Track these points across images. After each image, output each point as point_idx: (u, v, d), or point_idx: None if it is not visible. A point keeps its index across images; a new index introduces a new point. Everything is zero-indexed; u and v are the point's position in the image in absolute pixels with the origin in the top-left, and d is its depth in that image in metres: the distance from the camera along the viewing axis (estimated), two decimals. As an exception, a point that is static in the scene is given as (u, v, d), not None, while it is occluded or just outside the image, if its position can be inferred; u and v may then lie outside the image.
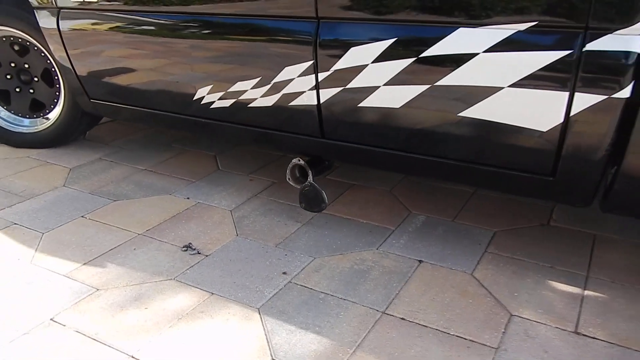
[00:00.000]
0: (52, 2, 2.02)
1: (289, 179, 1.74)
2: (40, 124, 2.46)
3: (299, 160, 1.70)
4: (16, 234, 1.70)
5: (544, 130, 1.25)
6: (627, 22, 1.10)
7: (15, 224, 1.78)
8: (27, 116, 2.47)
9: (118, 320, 1.29)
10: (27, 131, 2.47)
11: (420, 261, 1.55)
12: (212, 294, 1.39)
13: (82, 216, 1.83)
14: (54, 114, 2.41)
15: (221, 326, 1.27)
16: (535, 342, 1.20)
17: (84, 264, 1.53)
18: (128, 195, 1.99)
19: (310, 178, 1.69)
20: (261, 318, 1.29)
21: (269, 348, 1.19)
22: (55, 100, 2.36)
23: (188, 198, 1.96)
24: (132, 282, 1.44)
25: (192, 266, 1.52)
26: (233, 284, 1.43)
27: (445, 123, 1.37)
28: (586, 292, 1.38)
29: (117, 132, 2.66)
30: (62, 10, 2.02)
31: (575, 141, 1.22)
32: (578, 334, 1.23)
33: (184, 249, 1.61)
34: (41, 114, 2.45)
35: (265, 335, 1.23)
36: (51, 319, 1.30)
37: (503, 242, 1.62)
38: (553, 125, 1.23)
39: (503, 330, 1.24)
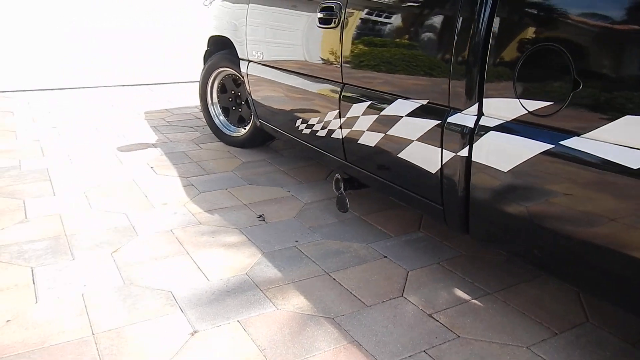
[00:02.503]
0: (245, 55, 3.26)
1: (333, 186, 2.56)
2: (240, 132, 3.78)
3: (338, 175, 2.51)
4: (187, 190, 2.94)
5: (433, 172, 1.83)
6: (465, 106, 1.66)
7: (192, 185, 3.03)
8: (235, 125, 3.82)
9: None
10: (232, 135, 3.82)
11: (385, 257, 2.21)
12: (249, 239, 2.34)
13: (226, 189, 2.98)
14: (248, 127, 3.69)
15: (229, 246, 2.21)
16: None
17: (210, 209, 2.66)
18: (258, 183, 3.08)
19: (342, 189, 2.48)
20: (263, 254, 2.18)
21: (260, 252, 2.08)
22: (250, 119, 3.63)
23: (289, 191, 2.94)
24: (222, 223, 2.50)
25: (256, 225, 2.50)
26: (265, 235, 2.35)
27: (391, 159, 2.03)
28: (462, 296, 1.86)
29: (288, 145, 3.80)
30: (250, 61, 3.24)
31: (446, 183, 1.78)
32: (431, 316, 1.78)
33: (259, 217, 2.60)
34: (242, 126, 3.77)
35: (259, 251, 2.12)
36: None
37: (463, 264, 2.14)
38: (436, 169, 1.82)
39: (400, 292, 1.87)
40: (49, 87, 6.06)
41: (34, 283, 1.94)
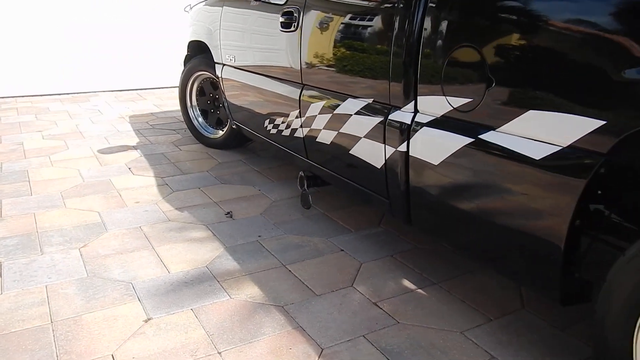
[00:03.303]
0: (220, 59, 3.36)
1: (298, 184, 2.65)
2: (218, 134, 3.88)
3: (302, 173, 2.60)
4: (160, 190, 3.04)
5: (379, 167, 1.93)
6: (403, 104, 1.75)
7: (166, 184, 3.13)
8: (213, 127, 3.92)
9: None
10: (210, 137, 3.92)
11: (342, 250, 2.30)
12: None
13: (199, 187, 3.08)
14: (225, 129, 3.79)
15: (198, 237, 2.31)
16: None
17: (181, 207, 2.75)
18: (231, 182, 3.18)
19: (305, 186, 2.58)
20: (225, 248, 2.27)
21: (223, 247, 2.17)
22: (227, 121, 3.72)
23: (259, 190, 3.04)
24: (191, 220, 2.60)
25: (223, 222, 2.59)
26: (232, 231, 2.45)
27: (344, 156, 2.13)
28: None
29: (264, 146, 3.89)
30: (224, 65, 3.34)
31: (390, 177, 1.88)
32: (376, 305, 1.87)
33: (226, 214, 2.69)
34: (220, 128, 3.87)
35: (222, 246, 2.22)
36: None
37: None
38: (381, 164, 1.91)
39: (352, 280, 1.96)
40: (37, 92, 6.17)
41: (1, 276, 2.03)
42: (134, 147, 3.93)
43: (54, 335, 1.67)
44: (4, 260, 2.16)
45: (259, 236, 2.43)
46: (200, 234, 2.44)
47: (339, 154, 2.17)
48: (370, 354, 1.60)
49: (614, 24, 1.11)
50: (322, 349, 1.62)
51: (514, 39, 1.34)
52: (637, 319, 1.10)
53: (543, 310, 1.82)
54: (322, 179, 2.55)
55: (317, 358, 1.58)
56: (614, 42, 1.10)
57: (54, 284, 1.98)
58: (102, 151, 3.83)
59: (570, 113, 1.20)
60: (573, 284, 1.33)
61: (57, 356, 1.57)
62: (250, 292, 1.95)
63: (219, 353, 1.60)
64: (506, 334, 1.70)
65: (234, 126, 3.46)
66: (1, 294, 1.91)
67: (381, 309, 1.84)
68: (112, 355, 1.58)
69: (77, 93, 6.35)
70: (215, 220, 2.60)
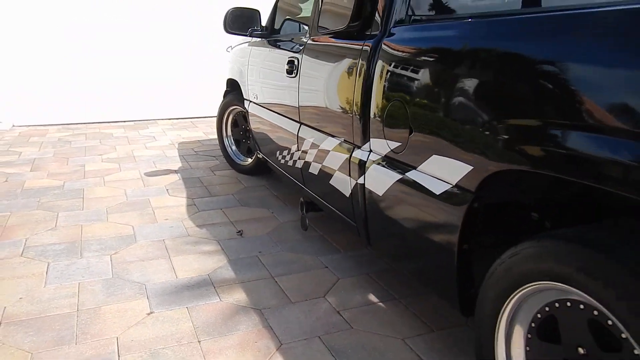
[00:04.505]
0: (247, 96, 3.84)
1: (299, 208, 3.03)
2: (248, 161, 4.34)
3: (302, 199, 2.99)
4: (188, 209, 3.51)
5: (347, 195, 2.28)
6: (362, 144, 2.11)
7: (194, 205, 3.61)
8: (244, 155, 4.40)
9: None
10: (241, 163, 4.39)
11: (326, 267, 2.65)
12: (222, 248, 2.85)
13: (221, 208, 3.53)
14: (253, 157, 4.26)
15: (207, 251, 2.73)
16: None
17: (201, 224, 3.20)
18: (250, 204, 3.61)
19: (304, 211, 2.95)
20: (228, 260, 2.68)
21: (227, 259, 2.58)
22: (255, 151, 4.19)
23: (272, 212, 3.45)
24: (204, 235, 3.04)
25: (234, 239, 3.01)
26: (237, 244, 2.86)
27: (326, 185, 2.50)
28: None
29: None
30: (250, 101, 3.82)
31: (355, 204, 2.23)
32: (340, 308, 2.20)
33: (237, 232, 3.12)
34: (249, 156, 4.34)
35: (226, 258, 2.63)
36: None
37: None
38: (349, 193, 2.26)
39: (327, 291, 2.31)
40: (105, 119, 6.95)
41: (46, 274, 2.54)
42: (176, 171, 4.46)
43: (77, 320, 2.12)
44: (51, 262, 2.67)
45: (260, 252, 2.82)
46: (210, 248, 2.86)
47: (323, 183, 2.54)
48: (319, 350, 1.93)
49: (473, 94, 1.42)
50: (281, 344, 1.97)
51: (423, 98, 1.68)
52: (498, 317, 1.39)
53: (481, 325, 2.08)
54: (316, 205, 2.92)
55: (275, 350, 1.93)
56: (476, 108, 1.42)
57: (85, 281, 2.46)
58: (148, 174, 4.38)
59: (455, 159, 1.52)
60: (470, 297, 1.62)
61: (75, 335, 2.02)
62: (237, 297, 2.33)
63: (199, 341, 1.99)
64: (441, 342, 1.98)
65: (259, 155, 3.90)
66: (44, 287, 2.40)
67: (342, 316, 2.17)
68: (117, 337, 2.01)
69: (139, 120, 7.09)
70: (227, 237, 3.02)
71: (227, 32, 3.47)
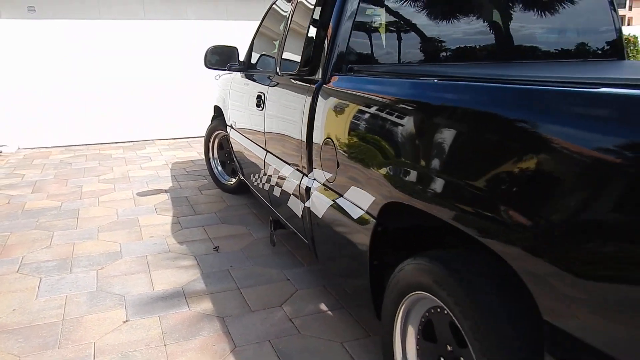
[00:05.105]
0: (228, 122, 4.18)
1: (269, 225, 3.35)
2: (232, 181, 4.68)
3: (271, 218, 3.30)
4: (173, 227, 3.83)
5: (300, 216, 2.60)
6: (308, 173, 2.43)
7: (179, 223, 3.93)
8: (229, 175, 4.73)
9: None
10: (226, 183, 4.73)
11: (288, 279, 2.96)
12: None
13: (202, 226, 3.85)
14: (237, 178, 4.59)
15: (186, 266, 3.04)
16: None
17: (182, 241, 3.52)
18: (230, 222, 3.93)
19: (272, 228, 3.27)
20: (202, 274, 3.00)
21: (200, 273, 2.90)
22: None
23: (249, 229, 3.76)
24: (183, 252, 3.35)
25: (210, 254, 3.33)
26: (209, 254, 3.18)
27: (285, 206, 2.81)
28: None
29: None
30: (231, 127, 4.16)
31: (305, 223, 2.54)
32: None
33: (214, 248, 3.43)
34: (233, 176, 4.67)
35: (200, 272, 2.94)
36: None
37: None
38: (301, 214, 2.58)
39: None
40: (105, 140, 7.33)
41: (38, 288, 2.87)
42: (166, 191, 4.80)
43: (61, 328, 2.44)
44: (44, 277, 3.00)
45: (231, 266, 3.14)
46: (187, 263, 3.18)
47: (284, 204, 2.86)
48: (267, 353, 2.24)
49: (372, 137, 1.73)
50: (236, 347, 2.28)
51: (345, 137, 1.99)
52: (394, 321, 1.69)
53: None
54: (283, 223, 3.23)
55: (229, 352, 2.24)
56: (374, 149, 1.73)
57: (72, 294, 2.78)
58: (140, 194, 4.72)
59: (364, 190, 1.83)
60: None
61: (59, 341, 2.34)
62: (205, 306, 2.64)
63: (165, 345, 2.30)
64: (374, 345, 2.27)
65: (240, 176, 4.23)
66: (35, 299, 2.73)
67: (293, 323, 2.47)
68: (94, 342, 2.33)
69: (138, 141, 7.47)
70: (203, 253, 3.34)
71: (207, 67, 3.81)
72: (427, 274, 1.46)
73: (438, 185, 1.38)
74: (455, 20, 2.42)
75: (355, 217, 1.92)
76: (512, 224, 1.12)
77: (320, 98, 2.26)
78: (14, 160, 6.35)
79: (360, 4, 2.28)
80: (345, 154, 1.99)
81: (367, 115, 1.83)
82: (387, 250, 1.84)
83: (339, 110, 2.08)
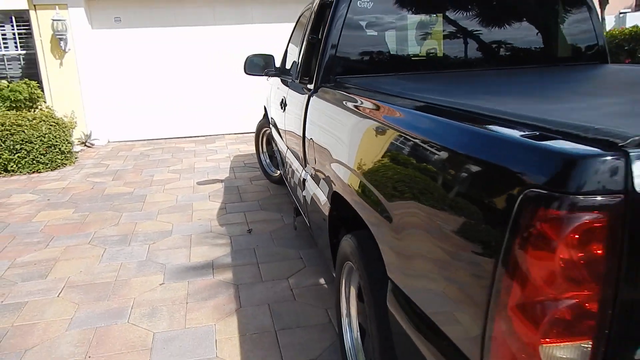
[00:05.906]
0: (270, 120, 4.72)
1: (293, 212, 3.84)
2: (277, 173, 5.24)
3: (294, 205, 3.79)
4: (219, 212, 4.44)
5: (302, 201, 3.07)
6: (305, 167, 2.89)
7: (225, 208, 4.54)
8: (275, 167, 5.29)
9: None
10: (273, 175, 5.29)
11: (301, 258, 3.44)
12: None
13: (244, 212, 4.43)
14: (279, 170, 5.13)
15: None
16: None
17: (224, 224, 4.12)
18: (267, 209, 4.48)
19: (295, 214, 3.76)
20: (231, 250, 3.56)
21: (230, 249, 3.47)
22: (278, 163, 5.06)
23: (281, 216, 4.29)
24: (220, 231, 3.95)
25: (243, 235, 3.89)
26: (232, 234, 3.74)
27: (296, 193, 3.29)
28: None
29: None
30: (271, 125, 4.70)
31: (304, 209, 3.00)
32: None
33: (248, 230, 3.99)
34: (278, 169, 5.23)
35: (230, 249, 3.51)
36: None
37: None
38: (302, 201, 3.05)
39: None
40: (181, 135, 8.19)
41: (102, 256, 3.57)
42: (222, 181, 5.45)
43: (112, 287, 3.10)
44: (107, 248, 3.71)
45: (257, 245, 3.67)
46: (223, 241, 3.77)
47: (296, 192, 3.34)
48: (263, 312, 2.74)
49: (332, 141, 2.16)
50: (241, 307, 2.80)
51: (319, 138, 2.43)
52: (340, 283, 2.12)
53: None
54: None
55: (234, 311, 2.77)
56: (329, 150, 2.16)
57: (126, 262, 3.45)
58: (200, 182, 5.41)
59: (325, 182, 2.27)
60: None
61: (108, 296, 2.99)
62: (226, 276, 3.20)
63: (187, 303, 2.87)
64: (352, 312, 2.70)
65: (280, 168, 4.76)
66: (98, 264, 3.43)
67: (292, 292, 2.96)
68: (134, 298, 2.95)
69: (209, 135, 8.26)
70: (238, 234, 3.91)
71: (247, 74, 4.35)
72: (349, 247, 1.88)
73: (353, 182, 1.81)
74: (428, 33, 2.77)
75: (322, 203, 2.36)
76: (378, 213, 1.53)
77: (310, 105, 2.71)
78: (103, 152, 7.35)
79: (346, 22, 2.69)
80: (319, 152, 2.43)
81: (330, 121, 2.27)
82: (339, 229, 2.27)
83: (318, 114, 2.52)
